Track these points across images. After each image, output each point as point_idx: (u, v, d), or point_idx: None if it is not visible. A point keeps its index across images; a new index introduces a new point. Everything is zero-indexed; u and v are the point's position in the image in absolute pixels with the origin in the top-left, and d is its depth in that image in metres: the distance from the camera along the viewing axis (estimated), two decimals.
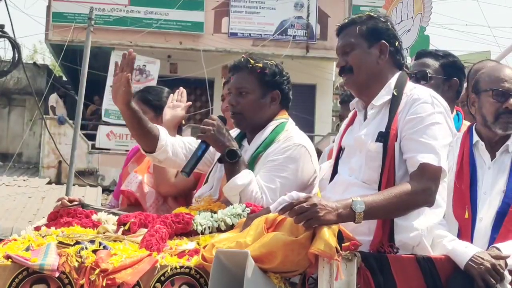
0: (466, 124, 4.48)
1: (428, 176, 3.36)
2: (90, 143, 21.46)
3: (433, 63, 4.59)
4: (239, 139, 4.15)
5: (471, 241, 3.62)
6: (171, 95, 4.83)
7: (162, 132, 4.12)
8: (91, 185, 20.18)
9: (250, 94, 4.06)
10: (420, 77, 4.48)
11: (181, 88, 4.71)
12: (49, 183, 20.14)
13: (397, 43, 3.68)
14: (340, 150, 3.73)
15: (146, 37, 22.21)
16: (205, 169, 4.23)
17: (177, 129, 4.75)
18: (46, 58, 43.11)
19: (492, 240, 3.60)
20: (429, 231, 3.48)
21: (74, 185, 17.90)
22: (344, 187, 3.53)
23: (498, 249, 3.47)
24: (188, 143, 4.21)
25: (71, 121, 20.29)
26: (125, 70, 3.90)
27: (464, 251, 3.43)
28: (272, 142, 3.99)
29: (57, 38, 22.27)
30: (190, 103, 4.64)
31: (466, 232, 3.63)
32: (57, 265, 2.92)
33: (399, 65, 3.69)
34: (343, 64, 3.66)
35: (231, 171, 3.85)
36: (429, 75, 4.51)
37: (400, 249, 3.38)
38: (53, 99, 23.51)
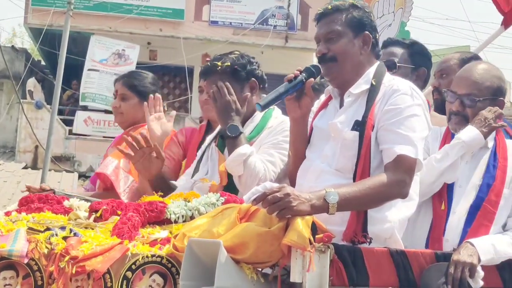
0: (433, 114, 4.48)
1: (403, 168, 3.35)
2: (67, 128, 21.35)
3: (401, 52, 4.58)
4: None
5: (443, 233, 3.64)
6: (151, 99, 4.73)
7: (179, 184, 4.17)
8: (67, 171, 20.09)
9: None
10: (388, 66, 4.45)
11: (157, 95, 4.62)
12: (25, 167, 20.00)
13: (377, 35, 3.67)
14: (311, 132, 3.69)
15: (126, 23, 22.10)
16: None
17: None
18: (25, 42, 42.82)
19: (464, 233, 3.62)
20: (401, 223, 3.47)
21: (50, 170, 17.78)
22: (317, 175, 3.50)
23: (471, 244, 3.47)
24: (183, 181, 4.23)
25: (48, 106, 20.16)
26: (144, 149, 4.06)
27: (468, 132, 3.73)
28: (263, 128, 4.08)
29: (36, 22, 22.11)
30: (175, 112, 4.62)
31: (440, 223, 3.67)
32: (26, 251, 2.89)
33: (377, 57, 3.68)
34: (325, 51, 3.59)
35: (233, 145, 3.93)
36: (398, 64, 4.50)
37: (373, 241, 3.37)
38: (31, 83, 23.32)
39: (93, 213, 3.34)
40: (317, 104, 3.78)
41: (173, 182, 4.22)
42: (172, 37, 22.44)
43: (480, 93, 3.81)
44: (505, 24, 6.19)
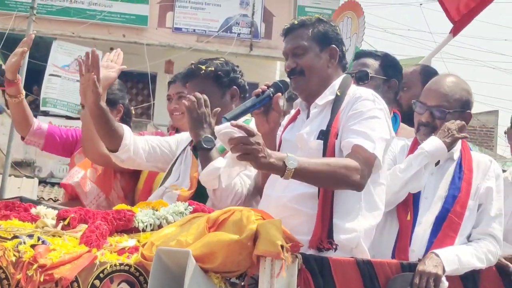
0: (403, 126, 4.54)
1: (362, 159, 3.38)
2: (21, 135, 21.07)
3: (373, 63, 4.63)
4: None
5: (410, 244, 3.68)
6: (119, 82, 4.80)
7: (127, 131, 4.10)
8: (27, 176, 19.87)
9: (210, 98, 4.09)
10: (360, 76, 4.51)
11: (119, 50, 4.65)
12: None
13: (343, 48, 3.72)
14: (280, 145, 3.74)
15: (89, 28, 21.95)
16: (164, 167, 4.22)
17: (123, 120, 4.75)
18: None
19: (430, 244, 3.67)
20: (367, 233, 3.51)
21: (10, 175, 17.59)
22: (285, 185, 3.52)
23: (436, 254, 3.52)
24: (150, 140, 4.24)
25: (9, 111, 19.93)
26: (91, 70, 3.92)
27: (432, 141, 3.76)
28: None
29: None
30: (124, 67, 4.58)
31: (405, 234, 3.71)
32: None
33: (344, 69, 3.74)
34: (294, 66, 3.66)
35: (207, 158, 3.87)
36: (370, 75, 4.54)
37: (339, 250, 3.40)
38: None
39: (61, 221, 3.33)
40: (287, 118, 3.83)
41: (120, 125, 4.16)
42: (135, 43, 22.31)
43: (450, 105, 3.86)
44: (454, 32, 6.32)
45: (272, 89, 3.60)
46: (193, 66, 4.20)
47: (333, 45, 3.68)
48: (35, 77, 21.43)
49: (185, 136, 4.30)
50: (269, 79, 24.44)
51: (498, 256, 3.71)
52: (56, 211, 3.47)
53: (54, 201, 15.83)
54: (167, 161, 4.23)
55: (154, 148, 4.21)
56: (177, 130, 4.82)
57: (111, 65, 4.56)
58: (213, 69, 4.14)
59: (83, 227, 3.29)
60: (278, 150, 3.69)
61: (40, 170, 20.89)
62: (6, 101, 18.81)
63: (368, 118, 3.49)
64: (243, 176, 3.91)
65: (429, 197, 3.75)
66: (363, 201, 3.49)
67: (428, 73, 4.77)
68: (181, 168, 4.13)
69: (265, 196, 3.63)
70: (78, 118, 17.74)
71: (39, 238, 3.06)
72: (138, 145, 4.16)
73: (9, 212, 3.41)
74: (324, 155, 3.47)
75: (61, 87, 20.76)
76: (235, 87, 4.19)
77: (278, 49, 23.59)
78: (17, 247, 2.97)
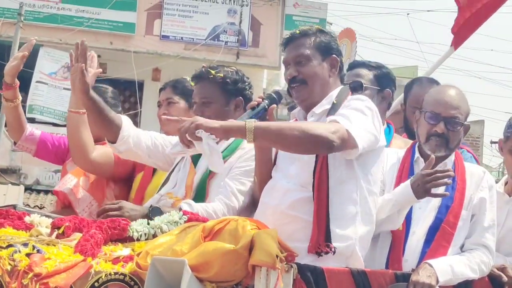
0: (396, 137, 4.55)
1: (334, 129, 3.36)
2: (13, 140, 21.00)
3: (367, 74, 4.65)
4: None
5: (403, 254, 3.70)
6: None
7: (126, 122, 4.11)
8: (13, 183, 19.77)
9: (214, 103, 4.13)
10: (355, 87, 4.52)
11: (92, 53, 4.59)
12: None
13: (342, 59, 3.75)
14: (276, 155, 3.75)
15: (76, 35, 21.82)
16: (165, 167, 4.22)
17: None
18: None
19: (423, 253, 3.69)
20: (361, 240, 3.53)
21: None
22: (283, 192, 3.55)
23: (430, 265, 3.53)
24: (154, 137, 4.24)
25: None
26: (79, 60, 3.98)
27: (402, 188, 3.63)
28: (237, 148, 4.06)
29: None
30: (100, 70, 4.52)
31: (398, 244, 3.72)
32: None
33: (342, 80, 3.77)
34: (295, 74, 3.68)
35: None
36: (364, 85, 4.56)
37: (334, 258, 3.42)
38: None
39: (55, 229, 3.32)
40: None
41: (118, 116, 4.20)
42: (123, 51, 22.29)
43: (462, 117, 3.87)
44: (455, 45, 6.29)
45: (267, 101, 3.62)
46: (203, 69, 4.22)
47: (334, 55, 3.72)
48: (21, 84, 21.04)
49: None
50: (256, 87, 24.43)
51: (491, 266, 3.73)
52: (50, 220, 3.46)
53: (40, 208, 15.77)
54: (168, 161, 4.24)
55: (157, 146, 4.22)
56: None
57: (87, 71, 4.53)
58: (222, 75, 4.16)
59: (77, 235, 3.28)
60: (275, 161, 3.71)
61: (26, 177, 20.81)
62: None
63: (354, 110, 3.52)
64: (236, 192, 3.90)
65: (422, 207, 3.76)
66: (360, 207, 3.51)
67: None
68: (178, 175, 4.13)
69: (262, 204, 3.64)
70: (64, 126, 17.68)
71: (34, 247, 3.06)
72: (140, 139, 4.18)
73: (3, 220, 3.39)
74: (316, 162, 3.49)
75: (48, 94, 20.70)
76: (240, 97, 4.20)
77: (265, 58, 23.66)
78: (12, 255, 2.96)
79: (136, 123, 23.24)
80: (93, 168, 4.61)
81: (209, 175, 4.02)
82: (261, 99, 3.64)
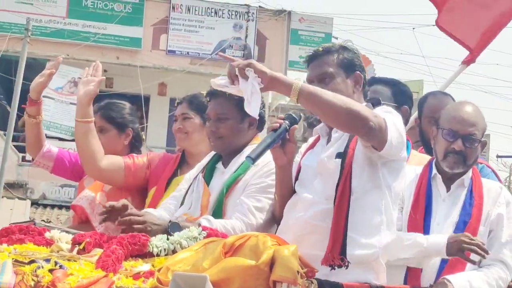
0: (414, 153, 4.56)
1: (376, 114, 3.40)
2: (20, 155, 21.06)
3: (384, 90, 4.66)
4: (214, 161, 4.21)
5: (421, 269, 3.70)
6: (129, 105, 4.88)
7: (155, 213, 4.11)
8: (20, 198, 19.84)
9: (230, 119, 4.12)
10: (372, 103, 4.53)
11: (97, 62, 4.70)
12: None
13: (366, 75, 3.76)
14: (299, 170, 3.76)
15: (83, 50, 21.99)
16: None
17: (132, 144, 4.82)
18: None
19: (441, 269, 3.71)
20: (385, 249, 3.52)
21: (2, 197, 17.54)
22: (307, 205, 3.57)
23: (448, 280, 3.55)
24: (168, 205, 4.23)
25: (2, 132, 19.91)
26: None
27: (439, 239, 3.61)
28: (250, 165, 4.02)
29: None
30: (103, 78, 4.62)
31: None
32: (13, 283, 2.86)
33: (365, 97, 3.78)
34: None
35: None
36: (382, 102, 4.58)
37: (356, 266, 3.42)
38: None
39: (76, 245, 3.33)
40: (305, 145, 3.86)
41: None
42: (129, 65, 22.39)
43: (479, 134, 3.89)
44: (467, 62, 6.26)
45: (287, 122, 3.63)
46: None
47: (358, 71, 3.72)
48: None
49: (197, 166, 4.33)
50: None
51: (508, 282, 3.74)
52: (70, 235, 3.47)
53: (47, 222, 15.77)
54: None
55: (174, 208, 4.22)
56: (183, 152, 4.85)
57: (91, 80, 4.58)
58: None
59: (98, 251, 3.29)
60: (297, 177, 3.72)
61: (32, 192, 20.86)
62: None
63: (385, 112, 3.54)
64: (253, 209, 3.89)
65: (440, 223, 3.78)
66: (384, 215, 3.51)
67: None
68: (193, 196, 4.13)
69: (285, 217, 3.67)
70: (71, 140, 17.66)
71: (56, 263, 3.06)
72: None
73: (24, 236, 3.41)
74: (341, 174, 3.50)
75: (55, 109, 20.72)
76: None
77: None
78: (35, 271, 2.96)
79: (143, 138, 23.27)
80: (103, 177, 4.66)
81: (225, 194, 4.02)
82: (281, 121, 3.64)
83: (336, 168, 3.53)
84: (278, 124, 3.58)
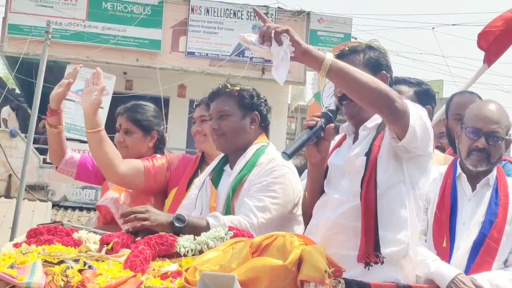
0: (437, 153, 4.56)
1: (400, 96, 3.41)
2: (41, 157, 21.19)
3: (407, 90, 4.65)
4: (222, 163, 4.24)
5: None
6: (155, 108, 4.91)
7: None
8: (41, 200, 19.95)
9: (231, 116, 4.15)
10: None
11: (98, 69, 4.70)
12: None
13: (392, 75, 3.76)
14: (326, 170, 3.77)
15: (103, 52, 22.09)
16: None
17: (156, 147, 4.84)
18: None
19: (468, 269, 3.70)
20: (413, 242, 3.54)
21: (24, 199, 17.62)
22: (335, 205, 3.59)
23: (474, 279, 3.54)
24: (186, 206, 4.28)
25: (23, 135, 20.04)
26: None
27: (446, 272, 3.54)
28: (255, 164, 4.07)
29: (12, 50, 22.02)
30: (104, 85, 4.61)
31: (443, 259, 3.72)
32: (44, 284, 2.88)
33: None
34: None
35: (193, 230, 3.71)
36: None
37: (387, 262, 3.44)
38: (6, 111, 23.21)
39: (104, 245, 3.35)
40: (332, 143, 3.87)
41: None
42: (149, 67, 22.46)
43: (503, 132, 3.89)
44: (488, 62, 6.22)
45: (323, 120, 3.64)
46: (220, 85, 4.26)
47: (384, 71, 3.72)
48: (49, 101, 21.53)
49: (205, 170, 4.37)
50: (281, 102, 24.55)
51: None
52: (97, 236, 3.49)
53: None
54: None
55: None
56: (203, 154, 4.87)
57: (93, 89, 4.59)
58: (238, 89, 4.19)
59: (125, 252, 3.31)
60: (325, 176, 3.73)
61: (53, 194, 20.98)
62: (19, 125, 18.83)
63: (410, 103, 3.52)
64: (255, 209, 3.89)
65: (466, 222, 3.78)
66: (409, 211, 3.52)
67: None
68: (202, 200, 4.16)
69: (314, 217, 3.69)
70: None
71: (85, 263, 3.08)
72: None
73: (52, 236, 3.44)
74: (366, 170, 3.52)
75: (75, 111, 20.76)
76: (256, 112, 4.22)
77: (290, 73, 23.31)
78: (65, 271, 2.98)
79: None
80: (123, 181, 4.69)
81: (232, 196, 4.04)
82: (318, 118, 3.65)
83: (362, 165, 3.54)
84: (314, 122, 3.59)
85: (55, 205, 20.28)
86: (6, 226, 15.37)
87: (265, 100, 4.29)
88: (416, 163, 3.57)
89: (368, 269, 3.41)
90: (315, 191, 3.73)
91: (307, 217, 3.78)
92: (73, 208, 20.52)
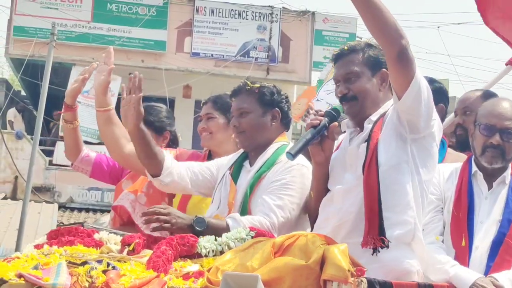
0: (450, 152, 4.56)
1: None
2: (47, 159, 21.20)
3: None
4: (241, 160, 4.25)
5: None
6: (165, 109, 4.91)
7: (167, 156, 4.17)
8: (47, 202, 19.95)
9: (251, 113, 4.16)
10: None
11: (109, 48, 4.78)
12: (5, 198, 19.84)
13: None
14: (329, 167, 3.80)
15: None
16: (208, 193, 4.27)
17: (169, 147, 4.84)
18: (5, 72, 42.61)
19: (488, 268, 3.69)
20: (420, 223, 3.56)
21: (30, 201, 17.63)
22: (342, 195, 3.63)
23: (495, 279, 3.54)
24: (191, 166, 4.29)
25: (29, 136, 20.05)
26: (133, 92, 3.99)
27: (466, 277, 3.53)
28: (274, 163, 4.08)
29: (18, 52, 22.01)
30: (112, 66, 4.65)
31: (462, 259, 3.72)
32: (69, 284, 2.90)
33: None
34: (346, 91, 3.73)
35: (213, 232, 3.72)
36: None
37: (396, 245, 3.46)
38: (12, 113, 23.23)
39: (126, 246, 3.37)
40: (336, 142, 3.89)
41: (160, 149, 4.23)
42: (154, 68, 22.43)
43: None
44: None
45: (327, 119, 3.67)
46: (241, 83, 4.28)
47: (384, 69, 3.73)
48: (55, 103, 21.54)
49: (225, 161, 4.34)
50: None
51: None
52: (118, 237, 3.51)
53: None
54: (209, 186, 4.28)
55: (196, 174, 4.26)
56: (209, 152, 4.88)
57: (104, 68, 4.67)
58: (258, 85, 4.20)
59: (147, 252, 3.32)
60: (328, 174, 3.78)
61: (59, 195, 20.97)
62: (25, 127, 18.77)
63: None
64: (274, 207, 3.90)
65: (484, 221, 3.77)
66: (413, 191, 3.54)
67: (489, 97, 4.78)
68: (221, 195, 4.17)
69: (322, 213, 3.72)
70: (98, 143, 17.72)
71: (108, 264, 3.09)
72: (181, 170, 4.21)
73: (73, 237, 3.45)
74: (366, 154, 3.55)
75: (81, 113, 20.56)
76: (277, 109, 4.22)
77: (295, 73, 23.68)
78: (89, 272, 2.99)
79: None
80: (128, 163, 4.71)
81: (250, 193, 4.05)
82: (321, 117, 3.67)
83: (363, 152, 3.58)
84: (318, 121, 3.62)
85: (61, 207, 20.28)
86: (12, 228, 15.40)
87: (286, 97, 4.30)
88: (420, 145, 3.59)
89: (376, 255, 3.42)
90: (320, 191, 3.76)
91: (311, 218, 3.80)
92: (79, 210, 20.52)
